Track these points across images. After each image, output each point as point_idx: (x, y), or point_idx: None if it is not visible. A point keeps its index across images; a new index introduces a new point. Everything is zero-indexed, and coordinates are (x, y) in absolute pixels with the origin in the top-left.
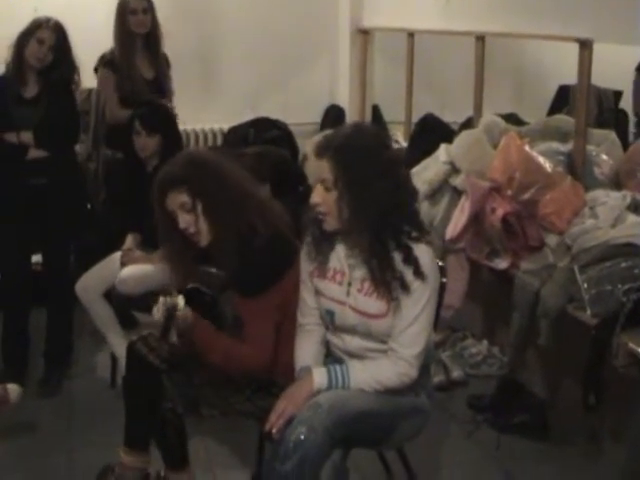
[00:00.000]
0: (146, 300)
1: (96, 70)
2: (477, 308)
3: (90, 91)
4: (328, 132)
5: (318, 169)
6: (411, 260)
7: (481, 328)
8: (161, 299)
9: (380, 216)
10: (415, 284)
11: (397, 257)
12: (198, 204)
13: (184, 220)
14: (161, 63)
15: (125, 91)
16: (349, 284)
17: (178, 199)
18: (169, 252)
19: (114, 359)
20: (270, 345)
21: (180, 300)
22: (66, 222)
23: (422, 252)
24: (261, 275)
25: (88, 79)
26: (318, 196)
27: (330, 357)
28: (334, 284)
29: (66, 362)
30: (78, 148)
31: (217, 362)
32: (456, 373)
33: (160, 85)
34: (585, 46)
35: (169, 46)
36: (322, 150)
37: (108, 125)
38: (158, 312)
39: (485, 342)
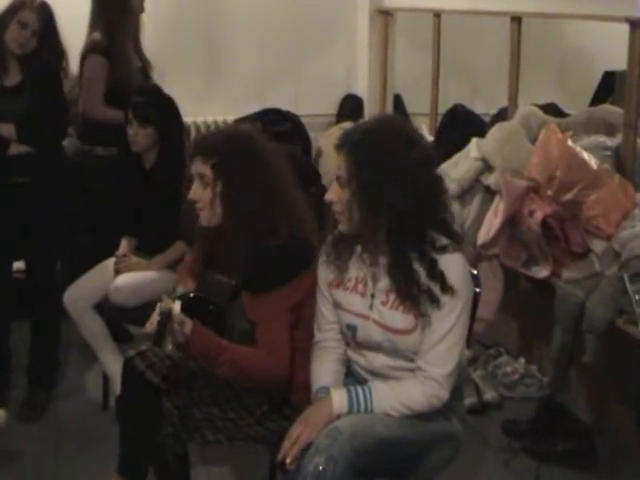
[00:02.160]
0: (143, 312)
1: (83, 57)
2: (512, 322)
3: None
4: (354, 124)
5: (336, 164)
6: (436, 274)
7: (517, 344)
8: (158, 304)
9: (395, 223)
10: (445, 298)
11: (421, 271)
12: (218, 184)
13: (196, 191)
14: (142, 49)
15: (116, 83)
16: (372, 296)
17: (200, 167)
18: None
19: (106, 378)
20: (286, 347)
21: (176, 304)
22: (52, 224)
23: (450, 263)
24: (272, 270)
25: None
26: (333, 193)
27: (351, 377)
28: (356, 295)
29: (52, 381)
30: (66, 142)
31: (226, 375)
32: (489, 394)
33: (146, 75)
34: (636, 27)
35: (165, 27)
36: (340, 144)
37: (83, 118)
38: (152, 318)
39: (522, 360)
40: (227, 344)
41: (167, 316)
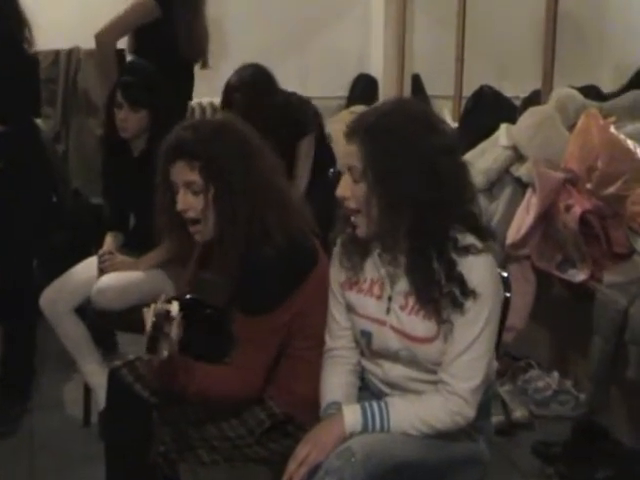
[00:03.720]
0: (130, 316)
1: None
2: (545, 331)
3: (57, 54)
4: (364, 110)
5: (347, 155)
6: (454, 277)
7: (550, 356)
8: (152, 305)
9: (417, 217)
10: (468, 303)
11: (441, 272)
12: (210, 189)
13: (185, 201)
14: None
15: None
16: (389, 299)
17: (186, 174)
18: (170, 236)
19: (88, 390)
20: (260, 372)
21: (174, 305)
22: (27, 217)
23: (475, 265)
24: (266, 291)
25: (56, 39)
26: (345, 188)
27: (365, 390)
28: (371, 298)
29: (26, 393)
30: (43, 125)
31: (193, 394)
32: (518, 413)
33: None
34: None
35: None
36: (351, 132)
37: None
38: (147, 321)
39: (555, 374)
40: (192, 371)
41: (164, 318)
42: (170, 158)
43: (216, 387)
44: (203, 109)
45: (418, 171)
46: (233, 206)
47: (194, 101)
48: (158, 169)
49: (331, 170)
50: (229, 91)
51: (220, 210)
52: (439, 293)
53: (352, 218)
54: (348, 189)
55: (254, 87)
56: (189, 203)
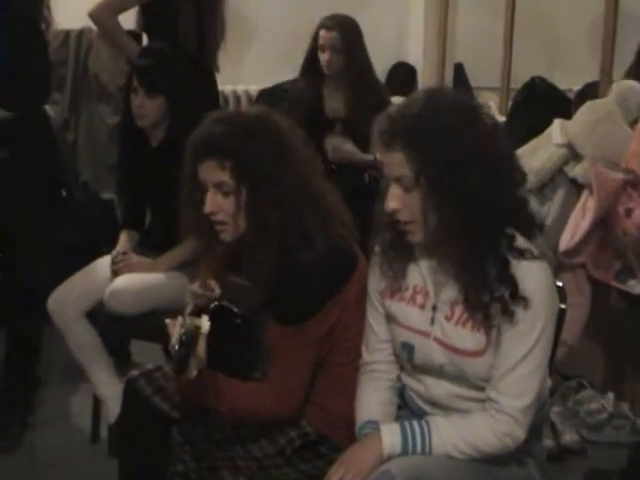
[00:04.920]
0: (146, 323)
1: None
2: (599, 347)
3: (67, 34)
4: (392, 110)
5: (391, 165)
6: (505, 278)
7: (604, 375)
8: (179, 319)
9: (476, 216)
10: (520, 312)
11: (493, 272)
12: (242, 192)
13: (214, 203)
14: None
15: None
16: (434, 308)
17: (216, 174)
18: (196, 233)
19: (97, 402)
20: (299, 387)
21: (204, 321)
22: (34, 212)
23: (530, 271)
24: (303, 298)
25: (65, 18)
26: (397, 200)
27: (405, 409)
28: (414, 308)
29: (28, 405)
30: (51, 112)
31: (224, 413)
32: (569, 437)
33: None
34: None
35: None
36: (389, 138)
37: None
38: (172, 336)
39: (610, 395)
40: (224, 389)
41: (194, 336)
42: (199, 155)
43: (250, 406)
44: (238, 98)
45: (474, 163)
46: (267, 211)
47: (228, 89)
48: (185, 164)
49: (366, 174)
50: (328, 28)
51: (252, 215)
52: (490, 297)
53: (404, 226)
54: (399, 200)
55: (357, 31)
56: (218, 205)
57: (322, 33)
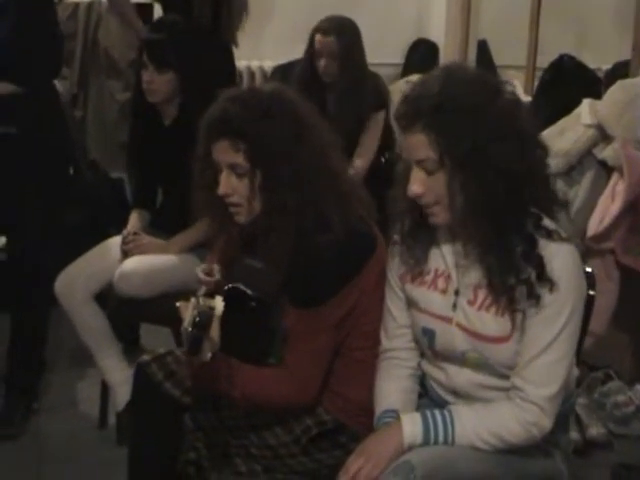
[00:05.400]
0: (157, 306)
1: None
2: (628, 336)
3: (76, 6)
4: (408, 92)
5: (413, 147)
6: (532, 257)
7: (633, 366)
8: (192, 300)
9: (504, 194)
10: (546, 295)
11: (519, 252)
12: (257, 174)
13: (228, 185)
14: None
15: None
16: (456, 292)
17: (229, 155)
18: (210, 214)
19: (105, 388)
20: (319, 377)
21: (218, 302)
22: (41, 191)
23: (557, 253)
24: (321, 280)
25: None
26: (420, 184)
27: (425, 398)
28: (435, 292)
29: (35, 390)
30: (59, 87)
31: (238, 399)
32: (594, 430)
33: None
34: None
35: None
36: (409, 120)
37: None
38: (185, 318)
39: (638, 387)
40: (238, 374)
41: (208, 317)
42: (213, 135)
43: (265, 393)
44: (252, 74)
45: (499, 140)
46: (282, 193)
47: (242, 64)
48: (199, 143)
49: (386, 155)
50: (323, 33)
51: (267, 199)
52: (515, 279)
53: (427, 209)
54: (423, 184)
55: (355, 33)
56: (233, 187)
57: (318, 38)
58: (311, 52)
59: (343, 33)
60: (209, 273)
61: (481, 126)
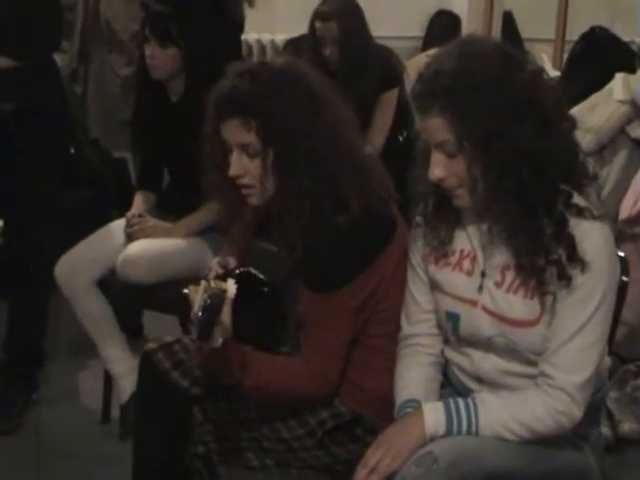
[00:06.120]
0: (162, 293)
1: None
2: None
3: None
4: (423, 70)
5: (431, 130)
6: (563, 237)
7: None
8: (202, 283)
9: (529, 174)
10: (577, 276)
11: (549, 231)
12: (269, 153)
13: (239, 166)
14: None
15: None
16: (483, 274)
17: (240, 135)
18: (220, 195)
19: (108, 380)
20: (337, 366)
21: (230, 285)
22: (41, 170)
23: (589, 232)
24: (338, 263)
25: None
26: (441, 168)
27: (448, 387)
28: (460, 274)
29: (33, 382)
30: (58, 61)
31: (251, 389)
32: (627, 426)
33: None
34: None
35: None
36: (424, 102)
37: None
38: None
39: None
40: (251, 361)
41: (220, 300)
42: (222, 113)
43: (280, 382)
44: (263, 48)
45: (521, 118)
46: (297, 174)
47: (252, 37)
48: (208, 121)
49: (404, 133)
50: (323, 19)
51: (281, 179)
52: (545, 260)
53: (450, 192)
54: (444, 168)
55: (356, 13)
56: (244, 168)
57: (318, 25)
58: (314, 39)
59: (344, 16)
60: (225, 266)
61: (500, 105)
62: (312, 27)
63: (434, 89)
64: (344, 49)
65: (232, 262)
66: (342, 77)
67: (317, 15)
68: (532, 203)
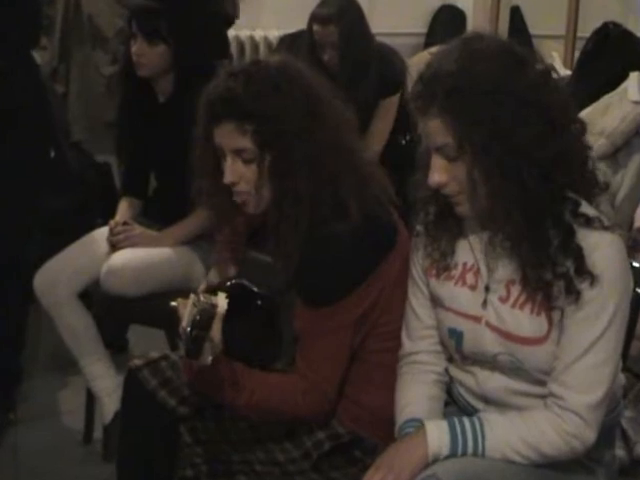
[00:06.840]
0: (149, 306)
1: None
2: None
3: None
4: (423, 70)
5: (431, 134)
6: (571, 248)
7: None
8: (192, 297)
9: (534, 181)
10: (586, 290)
11: (556, 243)
12: (266, 158)
13: (234, 172)
14: None
15: None
16: (487, 289)
17: (235, 140)
18: (211, 202)
19: (90, 398)
20: (334, 385)
21: (221, 299)
22: (20, 175)
23: (598, 243)
24: (336, 276)
25: None
26: (442, 172)
27: (453, 405)
28: (463, 288)
29: (9, 400)
30: (37, 58)
31: (243, 408)
32: None
33: None
34: None
35: None
36: (424, 103)
37: None
38: (183, 316)
39: None
40: (243, 379)
41: (210, 316)
42: (215, 117)
43: (274, 400)
44: (256, 45)
45: (525, 121)
46: (295, 180)
47: (244, 34)
48: (199, 124)
49: (407, 137)
50: (321, 22)
51: (278, 185)
52: (552, 274)
53: (451, 198)
54: (444, 173)
55: (357, 14)
56: (239, 174)
57: (316, 28)
58: (312, 43)
59: (343, 18)
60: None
61: (503, 107)
62: (310, 30)
63: (434, 90)
64: (344, 55)
65: (232, 270)
66: (342, 83)
67: (315, 18)
68: (536, 211)
